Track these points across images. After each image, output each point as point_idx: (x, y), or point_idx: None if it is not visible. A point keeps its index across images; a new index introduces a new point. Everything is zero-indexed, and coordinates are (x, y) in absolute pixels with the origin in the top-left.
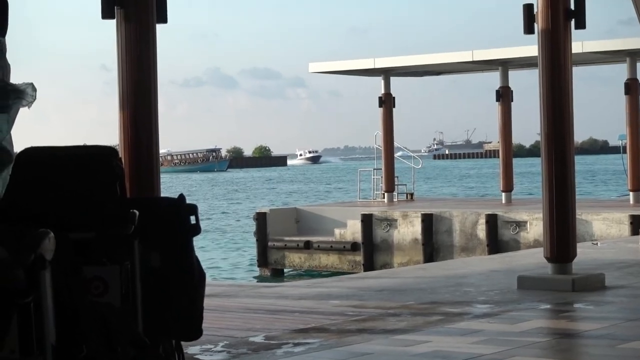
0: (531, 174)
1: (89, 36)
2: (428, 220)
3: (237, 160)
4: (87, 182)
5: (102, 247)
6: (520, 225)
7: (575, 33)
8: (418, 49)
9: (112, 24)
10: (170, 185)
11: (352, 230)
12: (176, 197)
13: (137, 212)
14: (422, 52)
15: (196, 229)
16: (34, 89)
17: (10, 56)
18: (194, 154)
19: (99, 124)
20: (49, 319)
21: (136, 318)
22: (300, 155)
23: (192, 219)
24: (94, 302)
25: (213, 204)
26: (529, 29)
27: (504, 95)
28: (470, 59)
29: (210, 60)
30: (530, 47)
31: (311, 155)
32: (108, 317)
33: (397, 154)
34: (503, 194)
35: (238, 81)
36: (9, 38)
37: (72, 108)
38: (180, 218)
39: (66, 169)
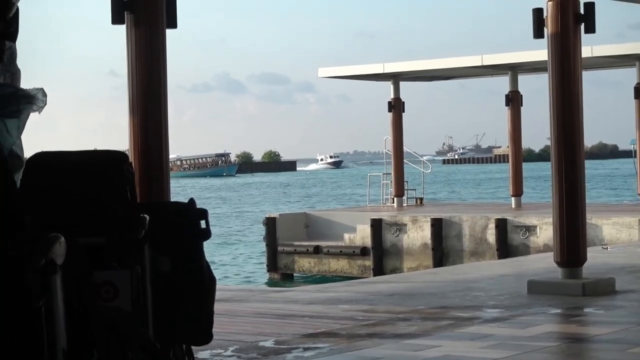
0: (533, 179)
1: (98, 41)
2: (438, 225)
3: (246, 165)
4: (98, 187)
5: (112, 251)
6: (530, 229)
7: (584, 37)
8: (427, 54)
9: (122, 29)
10: (180, 188)
11: (362, 235)
12: (186, 201)
13: (147, 217)
14: (431, 57)
15: (206, 234)
16: (44, 95)
17: (20, 62)
18: (203, 159)
19: (107, 129)
20: (59, 324)
21: (146, 322)
22: (322, 160)
23: (203, 223)
24: (104, 306)
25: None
26: (538, 33)
27: (514, 100)
28: (480, 64)
29: (219, 66)
30: (540, 52)
31: (333, 160)
32: (118, 321)
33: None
34: (513, 198)
35: (246, 86)
36: (19, 44)
37: (80, 113)
38: (190, 222)
39: (77, 173)
